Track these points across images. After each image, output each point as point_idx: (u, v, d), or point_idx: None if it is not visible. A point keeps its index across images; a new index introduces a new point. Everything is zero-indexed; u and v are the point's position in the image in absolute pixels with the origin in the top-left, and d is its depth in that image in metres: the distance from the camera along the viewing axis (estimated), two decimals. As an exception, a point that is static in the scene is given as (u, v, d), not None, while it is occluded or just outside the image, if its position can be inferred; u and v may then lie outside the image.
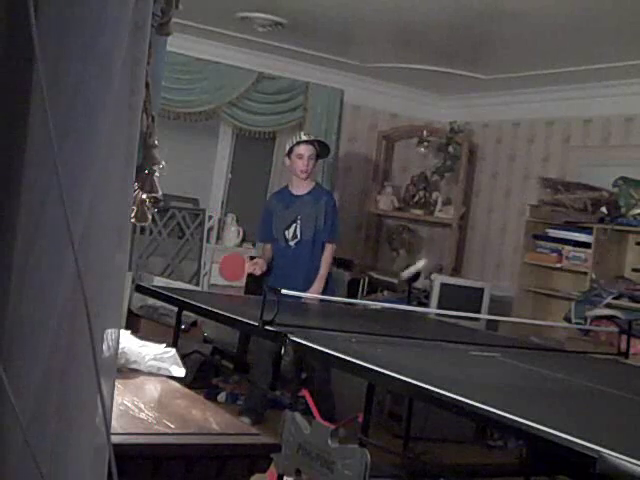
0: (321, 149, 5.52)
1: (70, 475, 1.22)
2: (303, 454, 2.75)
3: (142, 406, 2.00)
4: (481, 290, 6.32)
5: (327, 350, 2.99)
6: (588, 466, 1.90)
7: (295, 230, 5.37)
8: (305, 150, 5.38)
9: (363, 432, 3.33)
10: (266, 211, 5.58)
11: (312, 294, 5.15)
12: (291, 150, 5.42)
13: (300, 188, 5.45)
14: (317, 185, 5.62)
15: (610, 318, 5.29)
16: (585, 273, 5.73)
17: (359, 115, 7.47)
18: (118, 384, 1.82)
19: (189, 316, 5.53)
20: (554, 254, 6.02)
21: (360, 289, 6.77)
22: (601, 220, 5.66)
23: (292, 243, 5.39)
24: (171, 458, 1.81)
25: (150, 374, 2.35)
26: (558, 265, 5.99)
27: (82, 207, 1.18)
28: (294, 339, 3.12)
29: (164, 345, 2.50)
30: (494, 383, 2.99)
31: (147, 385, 2.28)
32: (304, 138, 5.47)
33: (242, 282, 5.93)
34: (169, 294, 4.38)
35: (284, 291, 3.33)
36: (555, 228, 6.02)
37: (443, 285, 6.36)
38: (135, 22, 1.24)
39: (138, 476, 1.73)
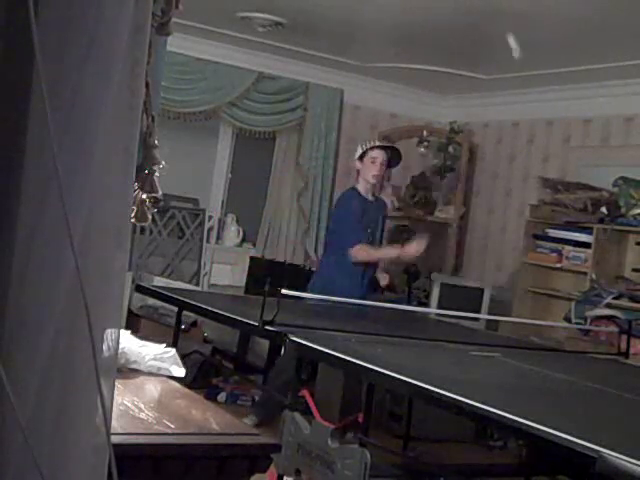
0: (392, 157, 5.34)
1: (70, 475, 1.22)
2: (303, 454, 2.75)
3: (142, 406, 2.00)
4: (481, 290, 6.32)
5: (327, 350, 2.99)
6: (588, 466, 1.90)
7: (368, 237, 5.23)
8: (380, 155, 5.21)
9: (363, 432, 3.33)
10: (358, 211, 5.23)
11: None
12: (364, 154, 5.24)
13: (370, 194, 5.29)
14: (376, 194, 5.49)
15: (610, 318, 5.29)
16: (585, 273, 5.73)
17: (359, 115, 7.47)
18: (118, 384, 1.81)
19: (189, 316, 5.53)
20: (554, 254, 6.02)
21: (360, 289, 6.76)
22: (601, 220, 5.65)
23: None
24: (171, 458, 1.81)
25: (150, 374, 2.35)
26: (558, 265, 5.99)
27: (82, 207, 1.18)
28: (294, 339, 3.12)
29: (164, 345, 2.50)
30: (494, 383, 2.99)
31: (147, 385, 2.28)
32: (379, 143, 5.36)
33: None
34: (169, 294, 4.38)
35: (284, 291, 3.33)
36: (555, 228, 6.02)
37: (443, 285, 6.36)
38: (135, 22, 1.24)
39: (138, 476, 1.73)
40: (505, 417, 2.20)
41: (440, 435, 5.06)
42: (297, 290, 3.75)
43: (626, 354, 4.13)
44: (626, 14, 4.57)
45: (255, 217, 7.19)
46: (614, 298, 5.42)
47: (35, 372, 1.17)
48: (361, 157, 5.26)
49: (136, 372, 2.34)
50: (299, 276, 6.27)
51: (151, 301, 5.79)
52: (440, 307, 5.94)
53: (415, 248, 5.05)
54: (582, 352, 4.62)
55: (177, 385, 2.34)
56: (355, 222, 5.15)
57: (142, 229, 6.33)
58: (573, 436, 2.00)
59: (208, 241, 6.99)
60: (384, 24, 5.53)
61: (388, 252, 5.25)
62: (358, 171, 5.30)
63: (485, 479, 4.52)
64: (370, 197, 5.30)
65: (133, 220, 1.52)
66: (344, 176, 7.40)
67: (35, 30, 1.06)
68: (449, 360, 3.42)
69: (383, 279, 5.28)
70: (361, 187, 5.28)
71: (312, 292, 4.73)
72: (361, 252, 5.04)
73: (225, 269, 7.08)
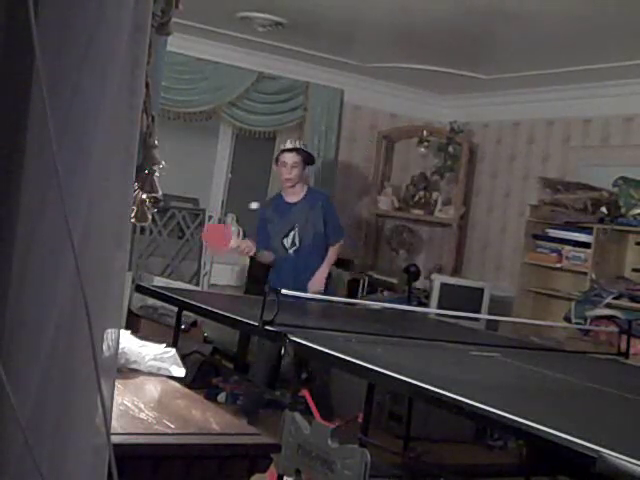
0: (307, 156, 5.47)
1: (70, 475, 1.22)
2: (303, 454, 2.75)
3: (142, 406, 2.00)
4: (481, 290, 6.32)
5: (327, 350, 2.99)
6: (588, 466, 1.90)
7: (294, 238, 5.33)
8: (288, 158, 5.33)
9: (363, 432, 3.32)
10: (261, 221, 5.51)
11: (315, 284, 5.20)
12: (277, 158, 5.44)
13: (293, 196, 5.41)
14: (310, 190, 5.57)
15: (610, 318, 5.29)
16: (585, 273, 5.73)
17: (359, 115, 7.46)
18: (118, 384, 1.81)
19: (189, 316, 5.53)
20: (554, 254, 6.02)
21: (360, 289, 6.77)
22: (601, 220, 5.65)
23: (291, 251, 5.34)
24: (171, 458, 1.81)
25: (150, 374, 2.35)
26: (558, 265, 5.99)
27: (82, 207, 1.18)
28: (294, 339, 3.12)
29: (164, 345, 2.50)
30: (494, 383, 2.99)
31: (147, 385, 2.28)
32: (288, 146, 5.43)
33: (225, 253, 5.85)
34: (169, 294, 4.38)
35: (284, 291, 3.33)
36: (555, 228, 6.02)
37: (443, 285, 6.36)
38: (135, 22, 1.24)
39: (138, 476, 1.73)
40: (505, 417, 2.20)
41: (440, 435, 5.06)
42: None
43: (626, 354, 4.13)
44: (626, 14, 4.57)
45: (255, 217, 7.18)
46: (614, 298, 5.41)
47: (35, 372, 1.17)
48: (276, 160, 5.48)
49: (136, 372, 2.34)
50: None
51: (151, 301, 5.79)
52: (440, 307, 5.93)
53: (316, 285, 5.27)
54: (582, 352, 4.62)
55: (177, 385, 2.34)
56: (257, 230, 5.46)
57: (142, 229, 6.32)
58: (573, 436, 2.01)
59: (208, 241, 6.99)
60: (384, 24, 5.53)
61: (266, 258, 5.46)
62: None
63: (485, 479, 4.52)
64: (293, 198, 5.40)
65: (133, 220, 1.52)
66: (344, 176, 7.41)
67: (35, 30, 1.06)
68: (449, 360, 3.42)
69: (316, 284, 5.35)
70: (284, 190, 5.48)
71: None
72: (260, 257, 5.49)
73: (225, 269, 7.08)
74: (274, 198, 5.68)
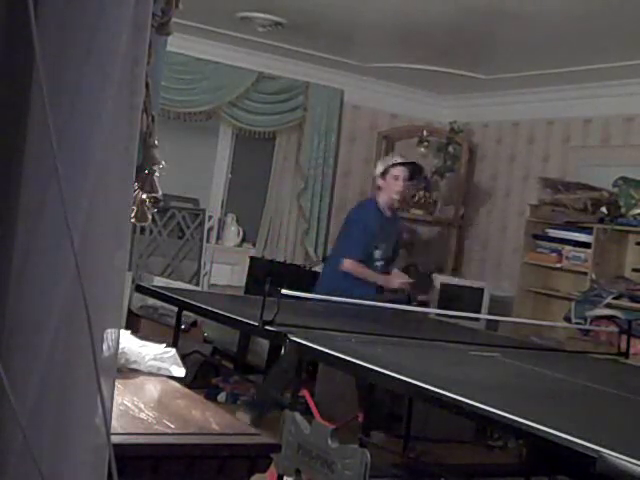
0: (414, 172, 5.37)
1: (70, 475, 1.22)
2: (303, 454, 2.75)
3: (142, 406, 2.00)
4: (481, 290, 6.32)
5: (327, 350, 2.99)
6: (588, 466, 1.90)
7: (383, 251, 5.26)
8: (401, 172, 5.22)
9: (363, 432, 3.33)
10: (367, 228, 5.21)
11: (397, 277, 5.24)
12: (386, 171, 5.25)
13: (389, 210, 5.31)
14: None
15: (610, 318, 5.29)
16: (585, 273, 5.73)
17: (359, 115, 7.46)
18: (118, 384, 1.81)
19: (189, 316, 5.53)
20: (554, 254, 6.02)
21: (360, 289, 6.75)
22: (601, 220, 5.65)
23: (378, 264, 5.25)
24: (171, 458, 1.81)
25: (150, 374, 2.35)
26: (558, 265, 5.99)
27: (82, 207, 1.18)
28: (294, 339, 3.12)
29: (164, 345, 2.50)
30: (494, 383, 2.99)
31: (147, 385, 2.28)
32: (400, 160, 5.32)
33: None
34: (169, 294, 4.38)
35: (284, 291, 3.33)
36: (555, 228, 6.02)
37: (443, 285, 6.36)
38: (135, 22, 1.24)
39: (138, 476, 1.73)
40: (505, 417, 2.20)
41: (440, 435, 5.05)
42: (297, 290, 3.75)
43: (626, 354, 4.13)
44: (626, 14, 4.57)
45: (255, 217, 7.19)
46: (614, 298, 5.41)
47: (35, 372, 1.17)
48: (383, 174, 5.26)
49: (136, 372, 2.34)
50: (299, 276, 6.27)
51: (151, 301, 5.79)
52: (440, 307, 5.93)
53: (398, 281, 5.20)
54: (582, 352, 4.62)
55: (177, 385, 2.34)
56: (363, 234, 5.16)
57: (142, 229, 6.33)
58: (573, 436, 2.01)
59: (208, 241, 6.99)
60: (384, 24, 5.53)
61: (374, 276, 5.19)
62: (379, 187, 5.30)
63: (485, 479, 4.52)
64: (388, 213, 5.31)
65: (133, 220, 1.52)
66: (344, 176, 7.42)
67: (35, 30, 1.06)
68: (449, 360, 3.42)
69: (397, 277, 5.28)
70: (381, 202, 5.28)
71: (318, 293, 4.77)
72: (351, 265, 5.08)
73: (225, 269, 7.08)
74: (372, 208, 5.37)
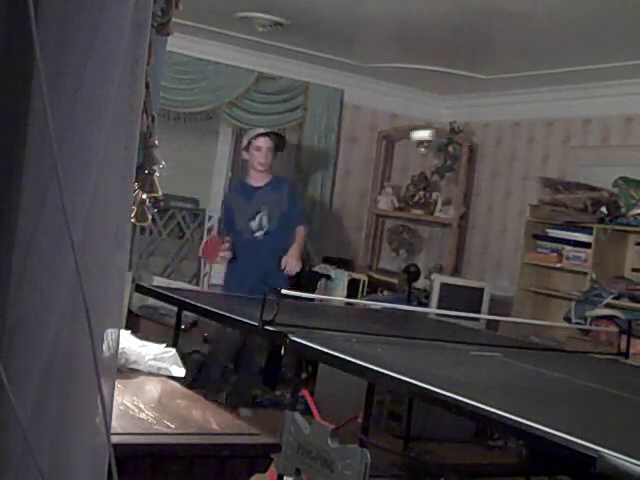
0: (278, 142, 5.70)
1: (70, 475, 1.22)
2: (303, 454, 2.75)
3: (142, 406, 2.00)
4: (481, 290, 6.32)
5: (327, 350, 2.99)
6: (588, 466, 1.90)
7: (261, 221, 5.48)
8: (263, 143, 5.57)
9: (363, 432, 3.33)
10: (227, 209, 5.73)
11: (292, 262, 5.36)
12: (249, 143, 5.59)
13: (259, 180, 5.60)
14: (275, 177, 5.74)
15: (610, 318, 5.29)
16: (585, 273, 5.73)
17: (359, 115, 7.46)
18: (118, 384, 1.81)
19: (189, 316, 5.53)
20: (554, 254, 6.01)
21: (360, 289, 6.76)
22: (601, 220, 5.65)
23: (258, 234, 5.50)
24: (171, 458, 1.81)
25: (150, 374, 2.35)
26: (558, 265, 5.99)
27: (82, 207, 1.18)
28: (294, 339, 3.12)
29: (164, 345, 2.50)
30: (494, 383, 2.99)
31: (147, 385, 2.29)
32: (262, 131, 5.66)
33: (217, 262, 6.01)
34: (169, 294, 4.38)
35: (284, 291, 3.33)
36: (555, 228, 6.02)
37: (443, 285, 6.36)
38: (135, 22, 1.24)
39: (138, 476, 1.73)
40: (505, 417, 2.20)
41: (440, 435, 5.06)
42: (297, 290, 3.75)
43: (626, 354, 4.13)
44: (625, 14, 4.57)
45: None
46: (614, 298, 5.41)
47: (35, 372, 1.17)
48: (247, 147, 5.63)
49: (136, 372, 2.34)
50: (299, 276, 6.26)
51: (151, 301, 5.79)
52: (440, 307, 5.93)
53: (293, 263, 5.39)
54: (582, 352, 4.62)
55: (177, 385, 2.34)
56: (223, 215, 5.71)
57: (142, 229, 6.33)
58: (573, 436, 2.00)
59: (208, 241, 6.99)
60: (384, 24, 5.53)
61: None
62: (245, 159, 5.73)
63: (485, 479, 4.52)
64: (261, 183, 5.59)
65: (133, 220, 1.52)
66: (344, 176, 7.41)
67: (35, 29, 1.05)
68: (449, 360, 3.42)
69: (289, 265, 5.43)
70: (250, 176, 5.66)
71: None
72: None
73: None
74: (237, 184, 5.93)
